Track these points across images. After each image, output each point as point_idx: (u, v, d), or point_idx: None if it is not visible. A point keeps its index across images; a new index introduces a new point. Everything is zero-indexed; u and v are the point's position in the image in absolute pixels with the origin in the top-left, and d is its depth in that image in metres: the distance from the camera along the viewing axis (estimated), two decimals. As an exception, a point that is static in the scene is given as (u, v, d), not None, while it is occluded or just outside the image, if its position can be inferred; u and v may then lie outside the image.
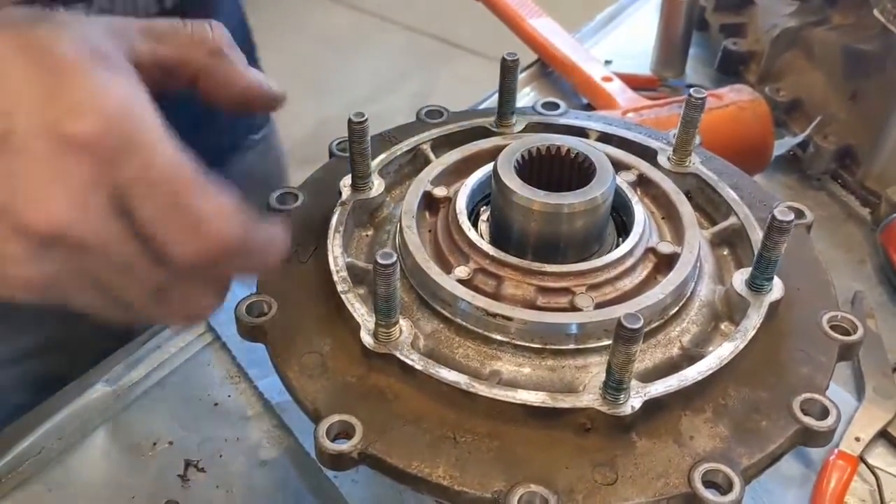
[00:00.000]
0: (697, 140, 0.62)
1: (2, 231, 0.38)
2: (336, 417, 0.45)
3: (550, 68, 0.98)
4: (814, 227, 0.76)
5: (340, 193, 0.57)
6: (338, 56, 3.25)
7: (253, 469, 0.58)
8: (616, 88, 0.89)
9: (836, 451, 0.60)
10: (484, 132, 0.62)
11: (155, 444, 0.59)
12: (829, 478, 0.58)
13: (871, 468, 0.60)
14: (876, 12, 0.74)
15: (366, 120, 0.54)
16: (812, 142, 0.83)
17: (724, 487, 0.43)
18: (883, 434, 0.62)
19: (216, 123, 0.89)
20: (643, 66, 0.99)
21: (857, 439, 0.61)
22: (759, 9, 0.96)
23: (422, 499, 0.57)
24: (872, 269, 0.75)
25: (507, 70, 0.60)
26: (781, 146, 0.83)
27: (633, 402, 0.45)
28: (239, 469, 0.58)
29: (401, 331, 0.48)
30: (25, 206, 0.38)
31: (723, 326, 0.52)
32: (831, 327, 0.52)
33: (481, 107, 0.86)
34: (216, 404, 0.62)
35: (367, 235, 0.58)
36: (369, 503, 0.57)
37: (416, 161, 0.61)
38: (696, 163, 0.60)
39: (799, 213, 0.59)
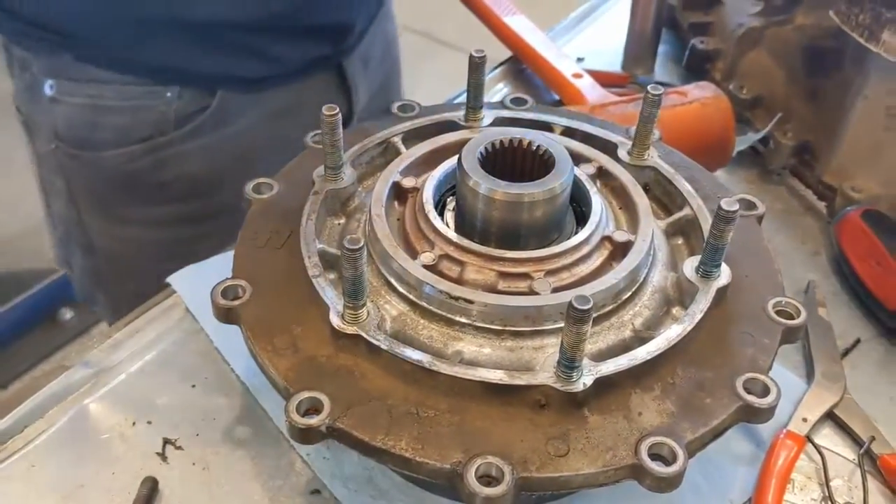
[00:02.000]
0: (656, 135, 0.65)
1: None
2: (305, 394, 0.48)
3: (524, 65, 1.01)
4: (772, 220, 0.80)
5: (314, 183, 0.59)
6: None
7: (229, 447, 0.61)
8: (586, 85, 0.92)
9: (784, 430, 0.63)
10: (453, 126, 0.65)
11: (134, 423, 0.62)
12: (777, 456, 0.61)
13: (817, 447, 0.63)
14: (832, 14, 0.77)
15: (337, 113, 0.57)
16: (772, 138, 0.86)
17: (668, 459, 0.46)
18: (829, 416, 0.65)
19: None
20: (615, 63, 1.01)
21: (805, 420, 0.64)
22: (726, 8, 0.98)
23: (390, 475, 0.60)
24: (826, 261, 0.78)
25: (475, 66, 0.63)
26: (743, 142, 0.86)
27: (585, 379, 0.47)
28: (215, 447, 0.61)
29: (368, 313, 0.50)
30: None
31: (674, 311, 0.55)
32: (776, 312, 0.55)
33: (456, 101, 0.89)
34: (193, 386, 0.65)
35: (338, 224, 0.60)
36: (338, 480, 0.59)
37: (388, 153, 0.64)
38: (654, 157, 0.63)
39: (750, 205, 0.62)
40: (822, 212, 0.83)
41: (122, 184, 1.05)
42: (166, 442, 0.61)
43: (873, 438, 0.63)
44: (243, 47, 1.00)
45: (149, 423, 0.62)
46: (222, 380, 0.65)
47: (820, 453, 0.62)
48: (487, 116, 0.66)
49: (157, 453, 0.60)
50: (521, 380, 0.48)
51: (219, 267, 0.71)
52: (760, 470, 0.61)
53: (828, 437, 0.64)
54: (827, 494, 0.60)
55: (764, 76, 0.90)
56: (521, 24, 1.02)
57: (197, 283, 0.71)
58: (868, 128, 0.78)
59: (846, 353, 0.70)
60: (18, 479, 0.58)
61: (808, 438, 0.63)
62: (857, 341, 0.71)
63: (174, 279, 0.71)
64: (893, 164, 0.77)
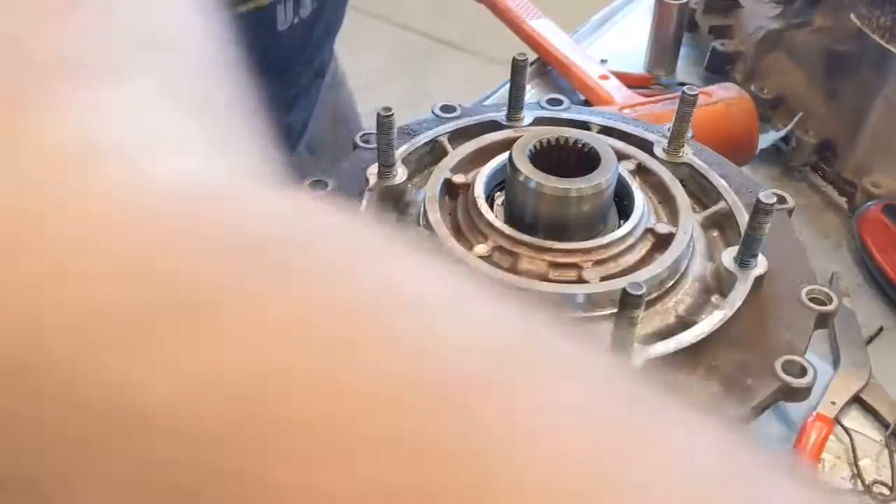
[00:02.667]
0: (690, 133, 0.68)
1: None
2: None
3: (550, 67, 1.04)
4: (796, 215, 0.83)
5: (368, 181, 0.63)
6: (328, 53, 3.31)
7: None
8: (612, 86, 0.95)
9: (814, 413, 0.66)
10: (496, 125, 0.68)
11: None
12: (808, 437, 0.64)
13: (845, 429, 0.66)
14: (853, 17, 0.81)
15: (393, 114, 0.60)
16: (794, 136, 0.89)
17: (715, 435, 0.50)
18: (856, 399, 0.68)
19: (287, 71, 0.99)
20: (637, 64, 1.05)
21: (833, 403, 0.67)
22: (745, 12, 1.02)
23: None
24: (848, 253, 0.82)
25: (518, 69, 0.66)
26: (766, 140, 0.89)
27: (636, 361, 0.51)
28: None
29: (428, 301, 0.54)
30: None
31: (713, 299, 0.58)
32: (810, 299, 0.58)
33: (486, 102, 0.92)
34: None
35: (390, 219, 0.63)
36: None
37: (435, 152, 0.67)
38: (688, 154, 0.66)
39: (781, 199, 0.65)
40: (843, 207, 0.86)
41: None
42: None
43: (899, 420, 0.66)
44: None
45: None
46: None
47: (848, 434, 0.66)
48: (528, 116, 0.69)
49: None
50: (576, 362, 0.51)
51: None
52: (792, 451, 0.64)
53: (855, 420, 0.67)
54: (856, 472, 0.64)
55: (784, 77, 0.94)
56: (546, 28, 1.06)
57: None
58: (887, 126, 0.81)
59: (870, 340, 0.73)
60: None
61: (837, 420, 0.66)
62: (881, 329, 0.74)
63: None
64: (912, 161, 0.80)
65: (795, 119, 0.89)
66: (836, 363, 0.71)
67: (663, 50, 1.03)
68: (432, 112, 0.72)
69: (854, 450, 0.65)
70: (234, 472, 0.17)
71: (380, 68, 3.27)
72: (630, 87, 0.97)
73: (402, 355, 0.18)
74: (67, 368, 0.18)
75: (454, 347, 0.19)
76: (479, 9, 1.14)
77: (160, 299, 0.18)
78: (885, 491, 0.62)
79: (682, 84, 1.02)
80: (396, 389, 0.17)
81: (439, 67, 3.28)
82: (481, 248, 0.56)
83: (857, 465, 0.64)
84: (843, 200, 0.86)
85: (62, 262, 0.18)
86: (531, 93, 1.01)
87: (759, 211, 0.54)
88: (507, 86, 0.90)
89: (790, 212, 0.65)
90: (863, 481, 0.63)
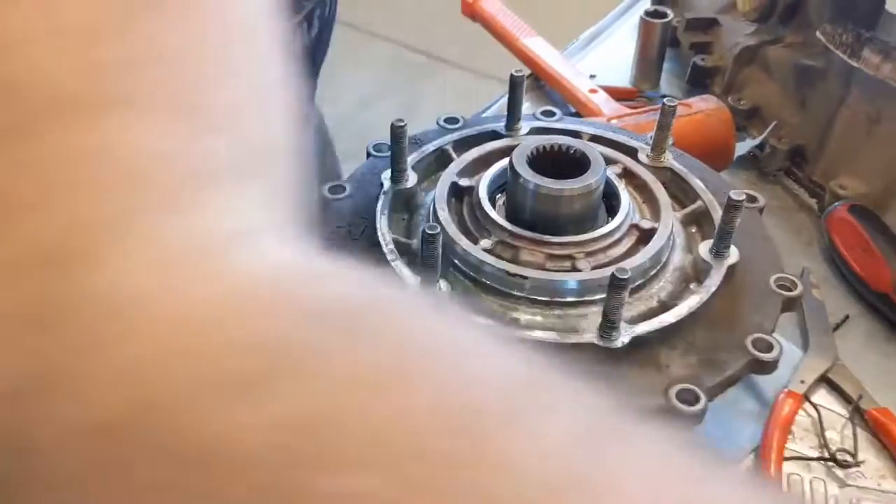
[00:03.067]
0: (670, 141, 0.75)
1: None
2: (392, 354, 0.58)
3: (542, 82, 1.12)
4: (770, 216, 0.90)
5: (382, 185, 0.70)
6: (326, 69, 3.39)
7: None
8: (601, 100, 1.03)
9: (785, 390, 0.73)
10: (496, 135, 0.76)
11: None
12: (779, 411, 0.71)
13: (813, 405, 0.73)
14: (819, 34, 0.89)
15: (405, 124, 0.67)
16: (768, 143, 0.97)
17: (692, 401, 0.57)
18: (823, 378, 0.75)
19: None
20: (623, 79, 1.12)
21: (802, 382, 0.74)
22: (723, 29, 1.09)
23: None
24: (818, 250, 0.89)
25: (516, 84, 0.74)
26: (742, 147, 0.97)
27: (623, 338, 0.58)
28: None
29: (440, 288, 0.61)
30: None
31: (692, 286, 0.65)
32: (777, 286, 0.65)
33: (484, 115, 1.00)
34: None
35: (403, 219, 0.71)
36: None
37: (441, 159, 0.74)
38: (669, 159, 0.74)
39: (753, 199, 0.73)
40: (813, 208, 0.94)
41: None
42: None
43: (861, 396, 0.73)
44: None
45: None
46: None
47: (816, 409, 0.73)
48: (524, 126, 0.77)
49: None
50: (571, 339, 0.58)
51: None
52: (766, 423, 0.71)
53: (822, 397, 0.75)
54: (823, 443, 0.71)
55: (759, 89, 1.01)
56: (538, 45, 1.14)
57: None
58: (852, 133, 0.89)
59: (837, 327, 0.81)
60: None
61: (806, 397, 0.73)
62: (846, 317, 0.82)
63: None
64: (874, 165, 0.88)
65: (769, 128, 0.97)
66: (805, 347, 0.78)
67: (648, 65, 1.10)
68: (437, 124, 0.79)
69: (821, 423, 0.72)
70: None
71: (376, 84, 3.35)
72: (617, 99, 1.04)
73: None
74: (172, 420, 0.22)
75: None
76: (472, 27, 1.22)
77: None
78: (849, 458, 0.70)
79: (665, 97, 1.09)
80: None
81: (434, 83, 3.36)
82: (485, 243, 0.64)
83: (823, 437, 0.71)
84: (813, 202, 0.94)
85: (176, 342, 0.23)
86: (525, 105, 1.08)
87: (730, 207, 0.62)
88: (503, 99, 0.98)
89: (761, 210, 0.73)
90: (828, 450, 0.70)
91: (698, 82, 1.07)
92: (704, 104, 0.95)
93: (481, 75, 3.15)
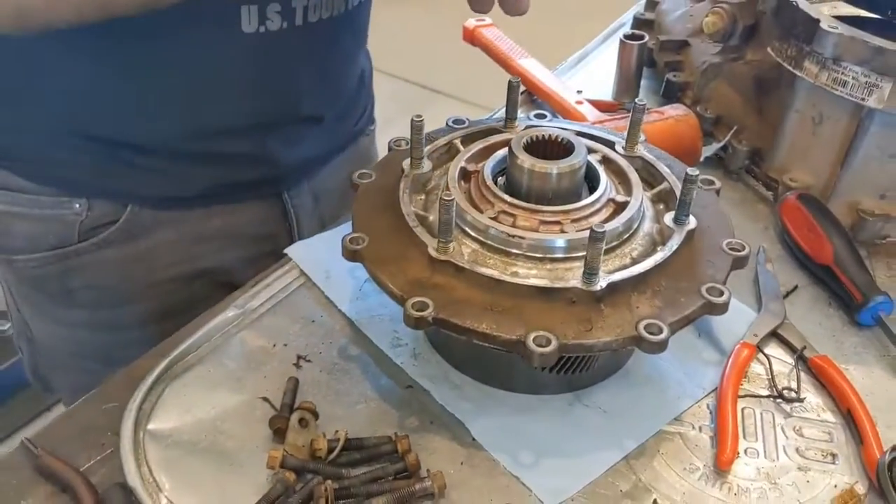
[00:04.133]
0: (642, 137, 0.90)
1: None
2: (416, 298, 0.72)
3: (535, 96, 1.27)
4: (733, 207, 1.05)
5: (403, 170, 0.84)
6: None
7: (344, 360, 0.84)
8: (586, 110, 1.18)
9: (740, 342, 0.87)
10: (496, 131, 0.90)
11: (274, 345, 0.85)
12: (736, 358, 0.85)
13: (765, 354, 0.87)
14: (769, 49, 1.04)
15: (423, 119, 0.82)
16: (730, 145, 1.11)
17: (657, 333, 0.71)
18: (773, 334, 0.89)
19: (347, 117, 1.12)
20: (606, 94, 1.28)
21: (755, 335, 0.88)
22: (693, 49, 1.25)
23: (461, 375, 0.84)
24: (773, 233, 1.03)
25: (512, 89, 0.88)
26: (708, 150, 1.12)
27: (602, 283, 0.72)
28: (334, 360, 0.84)
29: (453, 248, 0.75)
30: None
31: (658, 249, 0.80)
32: (728, 248, 0.79)
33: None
34: (313, 321, 0.88)
35: (420, 198, 0.85)
36: (425, 378, 0.83)
37: (451, 150, 0.89)
38: (641, 150, 0.89)
39: (710, 182, 0.87)
40: (769, 199, 1.08)
41: (34, 286, 1.06)
42: (299, 357, 0.85)
43: (804, 347, 0.87)
44: (153, 168, 0.98)
45: (284, 345, 0.86)
46: (334, 318, 0.89)
47: (767, 358, 0.87)
48: (520, 125, 0.91)
49: (294, 364, 0.84)
50: (559, 284, 0.72)
51: (326, 241, 0.96)
52: (724, 368, 0.85)
53: (773, 349, 0.88)
54: (772, 385, 0.84)
55: (723, 100, 1.16)
56: (532, 65, 1.29)
57: (307, 253, 0.95)
58: (800, 133, 1.04)
59: (787, 295, 0.95)
60: (198, 380, 0.82)
61: (758, 347, 0.87)
62: (795, 287, 0.96)
63: (290, 250, 0.96)
64: (819, 160, 1.02)
65: (731, 132, 1.12)
66: (759, 309, 0.92)
67: (627, 81, 1.26)
68: (447, 124, 0.94)
69: (771, 368, 0.86)
70: None
71: (379, 116, 3.51)
72: (600, 111, 1.19)
73: None
74: None
75: None
76: (468, 60, 1.37)
77: None
78: (793, 394, 0.83)
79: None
80: None
81: (434, 114, 3.51)
82: (489, 212, 0.78)
83: (773, 379, 0.85)
84: (769, 194, 1.08)
85: None
86: (521, 116, 1.23)
87: (687, 181, 0.76)
88: (500, 111, 1.13)
89: (717, 191, 0.87)
90: (776, 389, 0.84)
91: (672, 96, 1.22)
92: (675, 111, 1.10)
93: (479, 106, 3.33)
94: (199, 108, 0.96)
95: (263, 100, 1.00)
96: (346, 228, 0.83)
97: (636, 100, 0.86)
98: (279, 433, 0.76)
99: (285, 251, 0.96)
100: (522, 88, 1.27)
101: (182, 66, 0.92)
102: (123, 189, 1.00)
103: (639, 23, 1.34)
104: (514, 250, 0.76)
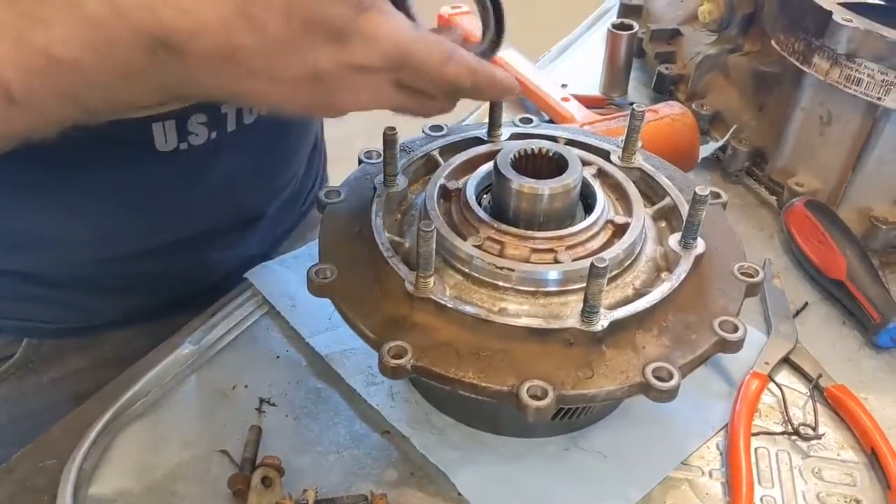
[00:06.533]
0: (639, 144, 0.81)
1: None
2: (392, 343, 0.63)
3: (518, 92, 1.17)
4: (734, 213, 0.97)
5: (375, 188, 0.75)
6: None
7: (313, 403, 0.76)
8: (573, 107, 1.09)
9: (751, 371, 0.79)
10: (479, 141, 0.81)
11: (234, 387, 0.76)
12: (746, 390, 0.77)
13: (777, 384, 0.79)
14: (773, 43, 0.95)
15: (396, 132, 0.73)
16: (730, 145, 1.03)
17: (666, 378, 0.62)
18: (785, 360, 0.81)
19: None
20: (593, 87, 1.19)
21: (766, 363, 0.80)
22: (685, 39, 1.16)
23: (443, 416, 0.75)
24: (779, 243, 0.96)
25: (496, 93, 0.79)
26: (706, 150, 1.04)
27: (603, 322, 0.63)
28: (301, 402, 0.76)
29: (434, 282, 0.66)
30: None
31: (663, 275, 0.71)
32: (740, 273, 0.71)
33: (465, 122, 1.06)
34: (278, 357, 0.79)
35: (396, 219, 0.76)
36: (404, 422, 0.74)
37: (429, 164, 0.80)
38: (640, 160, 0.80)
39: (716, 195, 0.79)
40: (773, 204, 1.00)
41: None
42: (262, 400, 0.75)
43: (820, 375, 0.80)
44: (59, 301, 0.88)
45: (245, 386, 0.77)
46: (301, 352, 0.80)
47: (780, 388, 0.79)
48: (505, 132, 0.82)
49: (256, 409, 0.75)
50: (555, 324, 0.64)
51: (290, 264, 0.87)
52: (734, 402, 0.77)
53: (785, 377, 0.81)
54: (787, 418, 0.77)
55: (720, 95, 1.08)
56: (512, 57, 1.20)
57: (270, 278, 0.86)
58: (806, 134, 0.96)
59: (797, 313, 0.87)
60: (146, 432, 0.73)
61: (770, 377, 0.80)
62: (806, 304, 0.88)
63: (251, 275, 0.86)
64: (827, 163, 0.95)
65: (731, 131, 1.03)
66: (769, 332, 0.84)
67: (616, 74, 1.17)
68: (423, 131, 0.84)
69: (784, 400, 0.78)
70: None
71: (348, 118, 3.38)
72: (588, 107, 1.11)
73: None
74: None
75: None
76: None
77: None
78: (810, 431, 0.76)
79: (633, 104, 1.15)
80: None
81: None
82: (474, 240, 0.69)
83: (787, 412, 0.77)
84: (773, 199, 1.00)
85: None
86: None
87: (696, 201, 0.67)
88: (480, 109, 1.04)
89: (724, 205, 0.79)
90: (792, 425, 0.76)
91: (663, 90, 1.14)
92: (670, 110, 1.01)
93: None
94: (114, 233, 0.84)
95: (191, 215, 0.86)
96: (314, 248, 0.74)
97: (634, 105, 0.77)
98: (240, 494, 0.67)
99: (245, 275, 0.86)
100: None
101: (94, 190, 0.79)
102: (18, 324, 0.88)
103: (626, 9, 1.25)
104: (503, 283, 0.67)
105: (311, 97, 0.54)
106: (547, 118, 1.11)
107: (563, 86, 1.18)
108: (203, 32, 0.48)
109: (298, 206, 1.04)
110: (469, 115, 1.10)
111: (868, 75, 0.85)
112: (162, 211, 0.84)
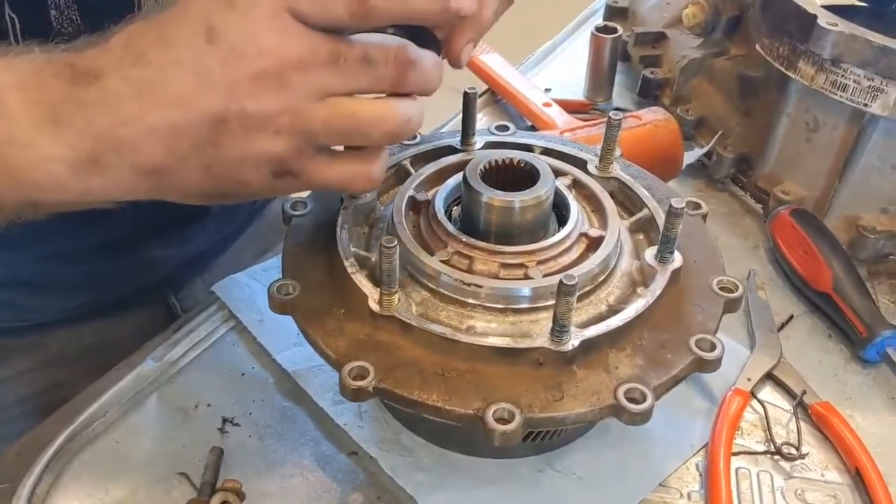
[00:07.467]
0: (618, 152, 0.78)
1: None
2: (354, 363, 0.61)
3: (499, 97, 1.15)
4: (718, 221, 0.94)
5: (342, 200, 0.72)
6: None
7: (278, 422, 0.73)
8: (554, 113, 1.06)
9: (732, 388, 0.76)
10: (451, 150, 0.79)
11: (196, 406, 0.74)
12: (727, 408, 0.75)
13: (759, 401, 0.77)
14: (757, 47, 0.93)
15: (363, 142, 0.70)
16: (715, 152, 1.00)
17: (639, 400, 0.60)
18: (769, 376, 0.79)
19: None
20: (577, 92, 1.16)
21: (749, 379, 0.77)
22: (671, 42, 1.13)
23: (413, 436, 0.73)
24: (764, 252, 0.93)
25: (469, 101, 0.76)
26: (690, 156, 1.01)
27: (573, 342, 0.61)
28: (267, 423, 0.73)
29: (399, 299, 0.63)
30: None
31: (639, 290, 0.68)
32: (720, 288, 0.69)
33: (442, 130, 1.03)
34: (243, 374, 0.77)
35: (363, 232, 0.73)
36: (372, 442, 0.72)
37: (399, 174, 0.77)
38: (617, 169, 0.77)
39: (696, 206, 0.76)
40: (758, 212, 0.98)
41: None
42: (225, 420, 0.73)
43: (804, 392, 0.77)
44: None
45: (208, 405, 0.74)
46: (267, 369, 0.77)
47: (762, 405, 0.76)
48: (479, 141, 0.79)
49: (219, 429, 0.72)
50: (524, 344, 0.61)
51: (259, 276, 0.84)
52: (714, 419, 0.74)
53: (768, 393, 0.78)
54: (769, 437, 0.74)
55: (705, 100, 1.05)
56: (494, 61, 1.17)
57: (237, 291, 0.83)
58: (792, 140, 0.93)
59: (782, 326, 0.84)
60: (104, 453, 0.70)
61: (752, 394, 0.77)
62: (791, 317, 0.86)
63: (218, 288, 0.84)
64: (814, 170, 0.92)
65: (716, 137, 1.01)
66: (752, 346, 0.81)
67: (600, 78, 1.14)
68: (395, 140, 0.82)
69: (767, 418, 0.75)
70: None
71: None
72: (571, 112, 1.08)
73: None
74: None
75: None
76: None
77: None
78: (793, 451, 0.73)
79: (619, 109, 1.13)
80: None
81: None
82: (441, 254, 0.66)
83: (769, 431, 0.74)
84: (758, 207, 0.98)
85: None
86: (482, 120, 1.11)
87: (671, 214, 0.65)
88: (457, 117, 1.01)
89: (704, 217, 0.76)
90: (774, 444, 0.73)
91: (648, 94, 1.11)
92: (653, 116, 0.98)
93: (445, 88, 3.20)
94: (47, 231, 0.74)
95: (126, 211, 0.84)
96: (282, 261, 0.71)
97: (611, 113, 0.74)
98: (198, 520, 0.65)
99: (213, 288, 0.84)
100: (483, 89, 1.15)
101: None
102: None
103: (611, 11, 1.22)
104: (471, 300, 0.64)
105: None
106: (529, 124, 1.09)
107: (547, 90, 1.15)
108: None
109: (247, 204, 1.00)
110: (446, 122, 1.07)
111: (854, 81, 0.83)
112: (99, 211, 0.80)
